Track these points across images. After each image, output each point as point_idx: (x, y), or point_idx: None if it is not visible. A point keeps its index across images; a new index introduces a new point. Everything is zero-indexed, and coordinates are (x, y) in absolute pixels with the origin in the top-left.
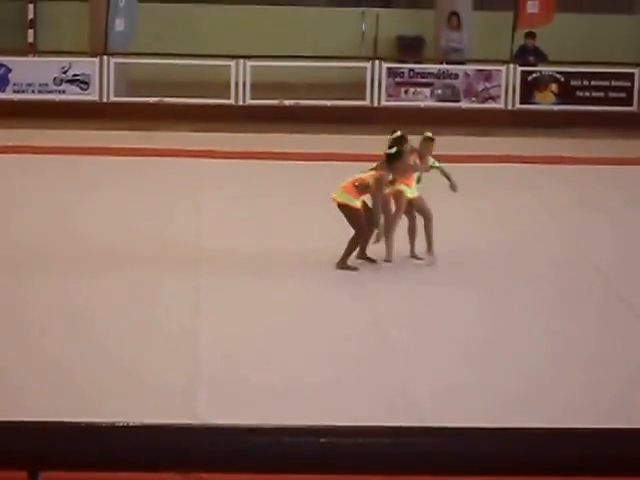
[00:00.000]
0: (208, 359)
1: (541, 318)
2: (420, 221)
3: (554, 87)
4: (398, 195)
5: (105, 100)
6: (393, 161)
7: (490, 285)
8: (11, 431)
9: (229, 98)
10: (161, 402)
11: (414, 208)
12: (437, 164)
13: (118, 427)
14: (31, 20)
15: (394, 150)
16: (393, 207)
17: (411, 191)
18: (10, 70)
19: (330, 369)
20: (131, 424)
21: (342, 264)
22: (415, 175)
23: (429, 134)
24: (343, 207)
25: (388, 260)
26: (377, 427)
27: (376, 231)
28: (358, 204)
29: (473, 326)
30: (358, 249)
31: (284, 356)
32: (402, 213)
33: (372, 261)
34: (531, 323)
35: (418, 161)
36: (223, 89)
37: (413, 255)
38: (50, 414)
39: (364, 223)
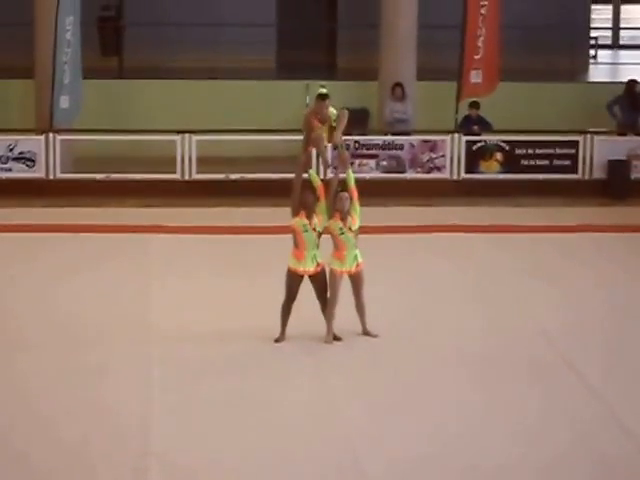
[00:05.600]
0: (158, 439)
1: (481, 385)
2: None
3: (499, 156)
4: (331, 276)
5: (51, 177)
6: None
7: (432, 355)
8: None
9: (175, 173)
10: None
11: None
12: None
13: None
14: None
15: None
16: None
17: (343, 264)
18: None
19: (281, 444)
20: None
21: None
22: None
23: (322, 90)
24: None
25: (328, 342)
26: None
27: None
28: (289, 263)
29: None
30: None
31: (236, 433)
32: (338, 295)
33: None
34: (469, 391)
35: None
36: (169, 164)
37: (365, 332)
38: None
39: (291, 285)
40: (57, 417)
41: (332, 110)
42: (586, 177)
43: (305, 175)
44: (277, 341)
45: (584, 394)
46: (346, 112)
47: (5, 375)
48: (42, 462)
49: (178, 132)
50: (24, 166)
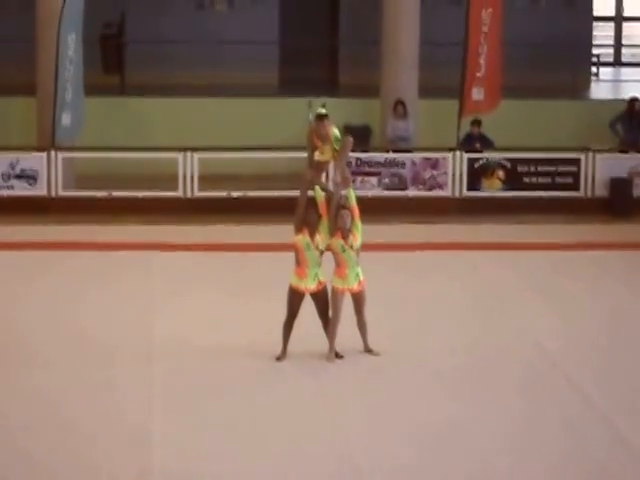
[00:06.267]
0: (161, 450)
1: (481, 400)
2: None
3: (501, 174)
4: (332, 294)
5: (53, 195)
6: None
7: (432, 371)
8: None
9: (177, 190)
10: None
11: (355, 301)
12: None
13: None
14: None
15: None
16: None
17: (345, 282)
18: None
19: (281, 459)
20: None
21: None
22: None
23: (322, 110)
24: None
25: (330, 359)
26: None
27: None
28: (291, 281)
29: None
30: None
31: (237, 447)
32: (340, 313)
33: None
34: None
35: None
36: (171, 181)
37: (367, 350)
38: None
39: (293, 303)
40: (62, 428)
41: (335, 131)
42: (588, 195)
43: (310, 192)
44: (278, 359)
45: (579, 404)
46: (350, 140)
47: (11, 388)
48: (46, 468)
49: (180, 150)
50: (26, 184)
